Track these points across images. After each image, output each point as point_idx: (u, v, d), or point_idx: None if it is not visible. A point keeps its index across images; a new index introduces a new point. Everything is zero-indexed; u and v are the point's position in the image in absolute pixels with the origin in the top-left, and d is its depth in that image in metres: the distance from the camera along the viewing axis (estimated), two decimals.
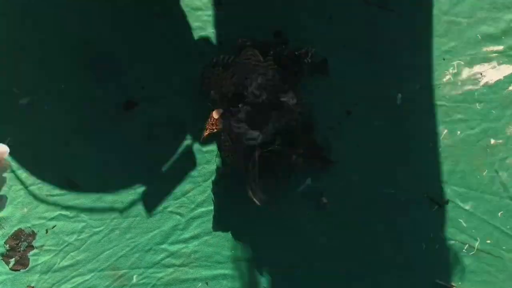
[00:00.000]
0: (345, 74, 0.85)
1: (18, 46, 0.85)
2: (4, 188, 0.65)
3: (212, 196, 0.83)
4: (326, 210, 0.84)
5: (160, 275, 0.82)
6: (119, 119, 0.84)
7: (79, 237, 0.82)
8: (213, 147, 0.84)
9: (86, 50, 0.86)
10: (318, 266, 0.83)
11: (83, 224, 0.82)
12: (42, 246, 0.81)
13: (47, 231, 0.81)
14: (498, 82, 0.84)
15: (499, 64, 0.84)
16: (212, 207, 0.83)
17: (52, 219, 0.82)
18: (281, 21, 0.85)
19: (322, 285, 0.83)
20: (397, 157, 0.84)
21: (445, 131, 0.84)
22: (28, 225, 0.82)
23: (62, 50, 0.85)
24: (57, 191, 0.83)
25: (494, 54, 0.84)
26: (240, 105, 0.77)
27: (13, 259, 0.81)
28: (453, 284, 0.79)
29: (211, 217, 0.83)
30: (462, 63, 0.84)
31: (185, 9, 0.85)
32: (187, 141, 0.84)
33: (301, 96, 0.80)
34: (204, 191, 0.84)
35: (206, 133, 0.80)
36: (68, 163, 0.84)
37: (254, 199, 0.75)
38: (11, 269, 0.80)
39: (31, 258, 0.81)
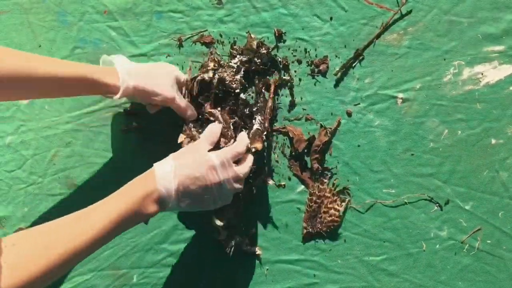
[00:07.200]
0: (345, 74, 0.85)
1: (18, 45, 0.85)
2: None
3: None
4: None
5: (160, 275, 0.83)
6: (119, 119, 0.84)
7: None
8: None
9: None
10: (318, 264, 0.83)
11: None
12: None
13: None
14: (499, 82, 0.84)
15: (500, 64, 0.84)
16: None
17: (52, 218, 0.82)
18: (281, 21, 0.85)
19: (321, 285, 0.83)
20: (397, 157, 0.84)
21: (446, 131, 0.84)
22: (28, 224, 0.82)
23: (61, 48, 0.85)
24: (57, 190, 0.83)
25: (495, 54, 0.84)
26: (200, 131, 0.77)
27: None
28: None
29: (211, 216, 0.83)
30: (463, 63, 0.84)
31: (185, 8, 0.85)
32: None
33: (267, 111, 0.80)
34: None
35: None
36: (68, 163, 0.84)
37: (218, 228, 0.76)
38: None
39: None
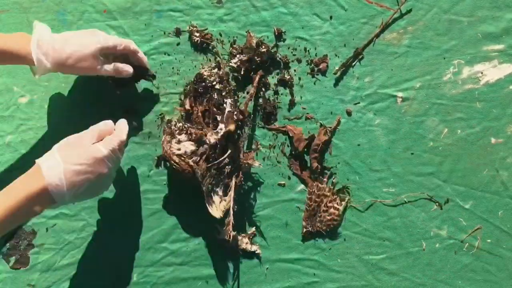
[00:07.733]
0: (345, 73, 0.85)
1: None
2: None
3: None
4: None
5: (160, 273, 0.83)
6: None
7: (79, 236, 0.82)
8: None
9: None
10: (318, 263, 0.83)
11: (84, 222, 0.82)
12: (42, 244, 0.81)
13: (47, 230, 0.82)
14: (498, 81, 0.84)
15: (500, 63, 0.84)
16: None
17: (52, 217, 0.82)
18: (281, 20, 0.85)
19: (321, 284, 0.83)
20: (397, 156, 0.84)
21: (446, 130, 0.84)
22: (29, 223, 0.82)
23: None
24: None
25: (495, 53, 0.84)
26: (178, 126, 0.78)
27: (14, 257, 0.81)
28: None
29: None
30: (463, 62, 0.84)
31: (185, 7, 0.85)
32: None
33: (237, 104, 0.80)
34: None
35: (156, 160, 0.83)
36: None
37: (212, 214, 0.76)
38: (11, 267, 0.80)
39: (31, 257, 0.81)
